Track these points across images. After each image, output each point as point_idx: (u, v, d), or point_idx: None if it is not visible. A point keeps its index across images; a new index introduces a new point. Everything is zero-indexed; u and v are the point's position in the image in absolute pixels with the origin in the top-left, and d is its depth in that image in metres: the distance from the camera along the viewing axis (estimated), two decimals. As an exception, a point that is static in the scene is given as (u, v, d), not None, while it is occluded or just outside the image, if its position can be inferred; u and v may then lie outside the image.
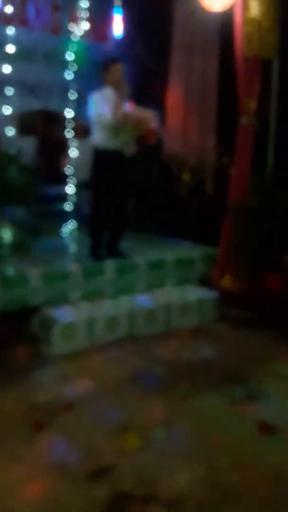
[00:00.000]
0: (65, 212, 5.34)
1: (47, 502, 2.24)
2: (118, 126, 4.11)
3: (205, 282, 4.70)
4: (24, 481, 2.36)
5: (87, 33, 5.47)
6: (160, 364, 3.60)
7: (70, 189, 5.36)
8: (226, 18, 4.64)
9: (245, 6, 4.36)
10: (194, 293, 4.52)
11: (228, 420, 2.92)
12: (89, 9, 5.36)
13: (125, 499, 2.25)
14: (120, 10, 5.72)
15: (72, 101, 5.33)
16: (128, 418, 2.89)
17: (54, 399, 3.05)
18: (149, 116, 4.19)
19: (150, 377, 3.41)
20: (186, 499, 2.27)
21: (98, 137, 4.23)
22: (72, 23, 5.40)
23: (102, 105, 4.11)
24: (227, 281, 4.53)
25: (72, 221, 5.35)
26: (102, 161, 4.26)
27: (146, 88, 5.48)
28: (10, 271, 3.93)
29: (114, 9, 5.74)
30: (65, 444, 2.65)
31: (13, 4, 5.05)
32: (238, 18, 4.42)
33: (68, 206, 5.38)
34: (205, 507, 2.23)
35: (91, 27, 5.50)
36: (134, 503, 2.24)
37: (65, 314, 3.85)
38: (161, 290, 4.51)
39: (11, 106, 5.04)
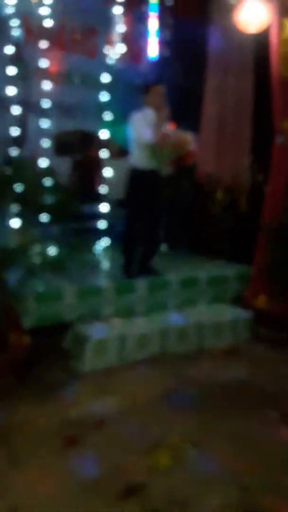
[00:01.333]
0: (99, 230, 5.40)
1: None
2: (157, 147, 4.16)
3: (238, 301, 4.64)
4: (55, 497, 2.35)
5: (123, 55, 5.59)
6: (192, 383, 3.55)
7: (104, 207, 5.42)
8: (261, 38, 4.68)
9: (281, 26, 4.39)
10: (227, 312, 4.47)
11: (262, 442, 2.85)
12: (125, 32, 5.49)
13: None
14: (157, 32, 5.84)
15: (107, 122, 5.44)
16: (160, 437, 2.85)
17: (86, 415, 3.05)
18: (188, 138, 4.25)
19: (182, 396, 3.37)
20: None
21: (137, 157, 4.30)
22: (108, 46, 5.55)
23: (143, 125, 4.18)
24: (261, 301, 4.47)
25: (105, 238, 5.40)
26: (138, 180, 4.31)
27: (183, 109, 5.54)
28: (45, 287, 3.99)
29: (150, 31, 5.86)
30: (96, 460, 2.64)
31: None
32: (273, 38, 4.45)
33: (102, 224, 5.44)
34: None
35: (127, 49, 5.63)
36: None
37: (97, 331, 3.87)
38: (193, 308, 4.48)
39: (50, 126, 5.18)
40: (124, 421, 3.02)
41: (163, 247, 5.49)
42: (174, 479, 2.50)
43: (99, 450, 2.71)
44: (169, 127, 4.23)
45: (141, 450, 2.72)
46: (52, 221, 4.79)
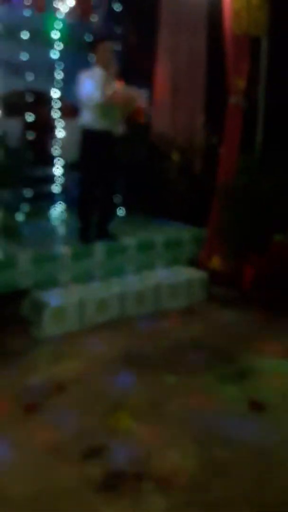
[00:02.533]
0: (53, 194, 5.30)
1: (41, 482, 2.27)
2: (106, 105, 4.06)
3: (194, 263, 4.72)
4: (18, 463, 2.39)
5: (72, 10, 5.34)
6: (150, 343, 3.64)
7: (57, 170, 5.30)
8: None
9: (234, -18, 4.29)
10: (184, 274, 4.54)
11: (218, 398, 2.98)
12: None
13: (118, 477, 2.30)
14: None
15: (58, 80, 5.25)
16: (120, 398, 2.93)
17: (46, 381, 3.08)
18: (136, 94, 4.15)
19: (141, 357, 3.45)
20: (178, 475, 2.32)
21: (87, 117, 4.18)
22: (57, 0, 5.28)
23: (91, 84, 4.05)
24: (215, 262, 4.56)
25: (60, 203, 5.32)
26: (91, 142, 4.22)
27: (134, 66, 5.40)
28: (-1, 254, 3.92)
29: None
30: (57, 425, 2.68)
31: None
32: (226, -5, 4.36)
33: (56, 188, 5.33)
34: (195, 482, 2.28)
35: (77, 4, 5.37)
36: (127, 480, 2.28)
37: (55, 297, 3.86)
38: (150, 271, 4.52)
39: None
40: (84, 384, 3.07)
41: (120, 211, 5.47)
42: (134, 438, 2.59)
43: (60, 415, 2.76)
44: (118, 85, 4.12)
45: (101, 412, 2.79)
46: (3, 186, 4.65)
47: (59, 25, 5.19)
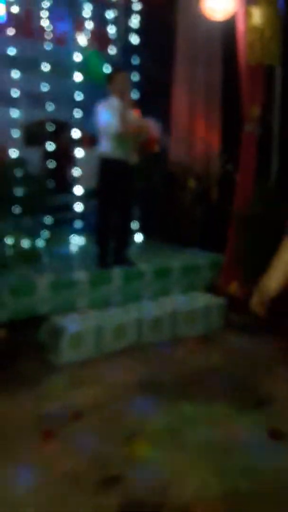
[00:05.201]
0: (72, 221, 5.38)
1: (56, 511, 2.26)
2: (122, 135, 4.16)
3: (211, 289, 4.71)
4: (34, 490, 2.38)
5: (91, 42, 5.53)
6: (168, 371, 3.62)
7: (77, 198, 5.39)
8: (228, 26, 4.69)
9: (247, 14, 4.41)
10: (201, 300, 4.54)
11: (237, 426, 2.94)
12: (92, 19, 5.42)
13: (135, 508, 2.27)
14: (126, 18, 5.77)
15: (78, 110, 5.38)
16: (138, 426, 2.91)
17: (63, 408, 3.08)
18: (148, 124, 4.23)
19: (159, 384, 3.43)
20: (197, 505, 2.28)
21: (105, 146, 4.28)
22: (77, 33, 5.47)
23: (108, 114, 4.16)
24: (233, 288, 4.55)
25: (79, 230, 5.39)
26: (109, 170, 4.31)
27: (151, 97, 5.53)
28: (18, 279, 3.97)
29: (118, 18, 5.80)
30: (74, 452, 2.67)
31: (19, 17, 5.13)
32: (240, 26, 4.47)
33: (75, 215, 5.41)
34: (214, 514, 2.25)
35: (96, 36, 5.57)
36: (145, 511, 2.25)
37: (73, 323, 3.88)
38: (167, 297, 4.53)
39: (19, 116, 5.11)
40: (101, 411, 3.05)
41: (138, 238, 5.52)
42: (152, 467, 2.56)
43: (77, 442, 2.75)
44: (134, 115, 4.21)
45: (118, 440, 2.77)
46: (24, 213, 4.76)
47: (82, 56, 5.35)
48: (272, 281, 2.22)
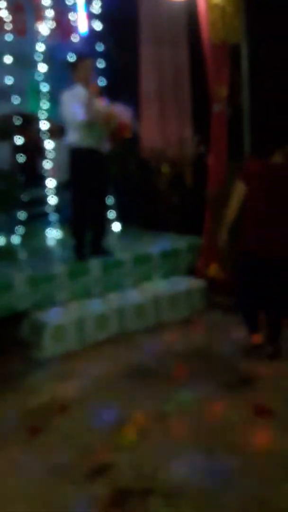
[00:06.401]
0: (47, 214, 5.31)
1: (47, 503, 2.24)
2: (91, 123, 4.09)
3: (192, 272, 4.71)
4: (24, 485, 2.37)
5: (53, 32, 5.42)
6: (152, 357, 3.62)
7: (49, 191, 5.32)
8: (192, 6, 4.63)
9: (208, -8, 4.35)
10: (182, 284, 4.54)
11: (224, 406, 2.95)
12: (53, 7, 5.31)
13: (125, 495, 2.27)
14: (85, 6, 5.67)
15: (44, 102, 5.29)
16: (124, 414, 2.90)
17: (48, 402, 3.06)
18: (118, 110, 4.17)
19: (144, 371, 3.43)
20: (186, 488, 2.28)
21: (73, 137, 4.21)
22: (37, 23, 5.35)
23: (73, 104, 4.08)
24: (213, 270, 4.55)
25: (54, 223, 5.33)
26: (79, 160, 4.24)
27: (118, 82, 5.46)
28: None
29: (77, 6, 5.69)
30: (62, 445, 2.65)
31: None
32: (201, 5, 4.41)
33: (49, 208, 5.35)
34: (204, 494, 2.25)
35: (57, 25, 5.45)
36: (134, 497, 2.25)
37: (54, 317, 3.85)
38: (148, 284, 4.51)
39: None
40: (87, 403, 3.04)
41: (115, 227, 5.48)
42: (140, 453, 2.56)
43: (64, 435, 2.73)
44: (101, 102, 4.15)
45: (105, 429, 2.76)
46: (-4, 210, 4.68)
47: (41, 47, 5.25)
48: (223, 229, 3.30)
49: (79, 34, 5.74)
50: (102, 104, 4.14)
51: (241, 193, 3.45)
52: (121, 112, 4.15)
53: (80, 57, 4.34)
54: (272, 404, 2.90)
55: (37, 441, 2.71)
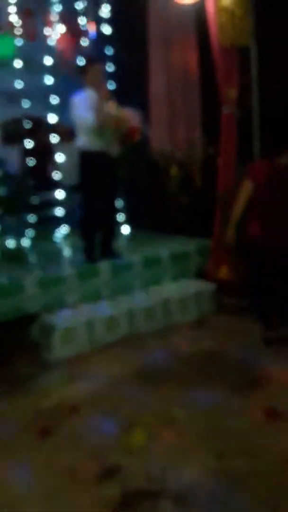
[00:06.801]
0: (57, 217, 5.34)
1: (57, 506, 2.25)
2: (101, 127, 4.11)
3: (201, 274, 4.70)
4: (33, 487, 2.37)
5: (63, 36, 5.46)
6: (162, 359, 3.61)
7: (60, 194, 5.35)
8: (201, 9, 4.63)
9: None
10: (192, 287, 4.53)
11: (234, 408, 2.94)
12: (62, 12, 5.35)
13: (135, 497, 2.26)
14: (95, 9, 5.70)
15: (54, 105, 5.33)
16: (134, 416, 2.90)
17: (58, 404, 3.07)
18: (128, 114, 4.19)
19: (154, 373, 3.42)
20: (196, 490, 2.27)
21: (83, 140, 4.23)
22: (47, 27, 5.40)
23: (84, 107, 4.10)
24: (223, 272, 4.54)
25: (64, 226, 5.36)
26: (89, 164, 4.26)
27: (128, 86, 5.48)
28: (5, 280, 3.93)
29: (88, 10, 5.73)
30: (72, 447, 2.66)
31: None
32: (210, 8, 4.42)
33: (59, 211, 5.38)
34: (215, 497, 2.24)
35: (67, 29, 5.49)
36: (145, 499, 2.24)
37: (64, 319, 3.86)
38: (158, 286, 4.51)
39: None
40: (96, 405, 3.04)
41: (125, 229, 5.49)
42: (150, 455, 2.55)
43: (74, 437, 2.74)
44: (111, 106, 4.16)
45: (115, 431, 2.76)
46: (6, 213, 4.71)
47: (51, 51, 5.29)
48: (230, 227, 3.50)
49: (89, 38, 5.77)
50: (112, 108, 4.15)
51: (248, 192, 3.50)
52: (131, 115, 4.16)
53: (90, 61, 4.36)
54: (283, 407, 2.89)
55: (46, 443, 2.71)
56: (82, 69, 4.35)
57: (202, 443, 2.62)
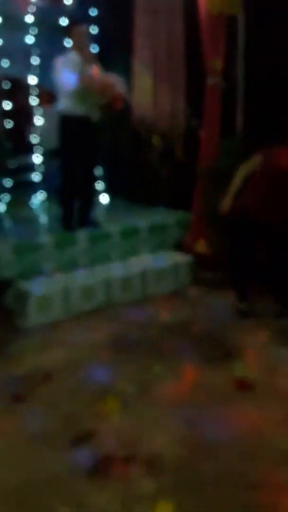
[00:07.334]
0: (34, 182, 5.22)
1: (29, 471, 2.26)
2: (84, 91, 3.99)
3: (179, 247, 4.70)
4: (5, 453, 2.38)
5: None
6: (137, 329, 3.63)
7: (37, 158, 5.22)
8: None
9: None
10: (169, 259, 4.53)
11: (206, 379, 2.98)
12: None
13: (107, 462, 2.29)
14: None
15: (35, 66, 5.15)
16: (107, 384, 2.92)
17: (32, 371, 3.06)
18: (113, 80, 4.08)
19: (128, 342, 3.44)
20: (166, 457, 2.32)
21: (65, 103, 4.12)
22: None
23: (67, 70, 3.97)
24: (200, 245, 4.55)
25: (41, 191, 5.25)
26: (70, 128, 4.16)
27: (111, 51, 5.32)
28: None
29: None
30: (45, 413, 2.66)
31: None
32: (200, -26, 4.29)
33: (36, 177, 5.26)
34: (184, 464, 2.28)
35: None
36: (116, 465, 2.28)
37: (39, 286, 3.82)
38: (136, 257, 4.50)
39: None
40: (70, 372, 3.05)
41: (104, 198, 5.42)
42: (122, 422, 2.58)
43: (47, 403, 2.74)
44: (95, 70, 4.04)
45: (88, 398, 2.78)
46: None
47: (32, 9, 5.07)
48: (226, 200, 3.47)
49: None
50: (96, 71, 4.03)
51: (255, 166, 3.53)
52: (115, 82, 4.05)
53: (76, 23, 4.21)
54: (254, 377, 2.95)
55: (20, 408, 2.71)
56: (65, 30, 4.19)
57: (173, 413, 2.65)
